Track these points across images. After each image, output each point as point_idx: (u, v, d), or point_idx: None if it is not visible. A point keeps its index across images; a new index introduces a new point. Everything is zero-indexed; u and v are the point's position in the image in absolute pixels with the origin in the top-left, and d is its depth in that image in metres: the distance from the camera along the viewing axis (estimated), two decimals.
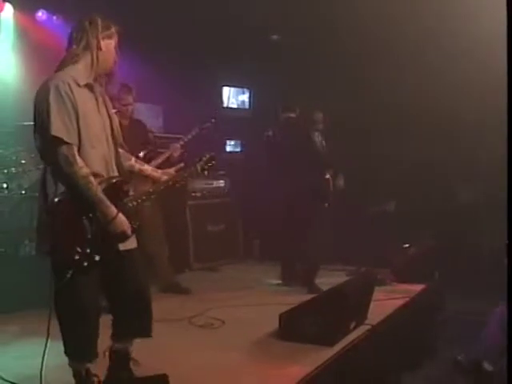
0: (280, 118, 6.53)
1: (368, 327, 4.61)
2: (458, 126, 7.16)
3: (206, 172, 3.74)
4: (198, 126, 5.68)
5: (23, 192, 5.98)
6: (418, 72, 7.13)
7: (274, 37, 8.51)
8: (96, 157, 3.13)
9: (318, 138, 6.64)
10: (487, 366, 4.13)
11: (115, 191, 3.14)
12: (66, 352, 3.24)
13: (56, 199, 2.99)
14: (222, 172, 8.00)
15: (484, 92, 6.51)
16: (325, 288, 4.75)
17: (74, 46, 3.15)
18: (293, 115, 6.48)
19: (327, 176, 6.68)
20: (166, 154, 5.61)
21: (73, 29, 3.22)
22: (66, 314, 3.20)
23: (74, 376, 3.30)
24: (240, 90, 8.95)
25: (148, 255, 5.75)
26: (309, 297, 4.52)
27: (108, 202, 3.03)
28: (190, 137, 5.66)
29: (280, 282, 6.46)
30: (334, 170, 7.08)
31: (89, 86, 3.16)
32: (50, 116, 2.95)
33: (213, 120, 5.64)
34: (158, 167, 5.35)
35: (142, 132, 5.79)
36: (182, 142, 5.65)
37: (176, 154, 5.60)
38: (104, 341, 3.32)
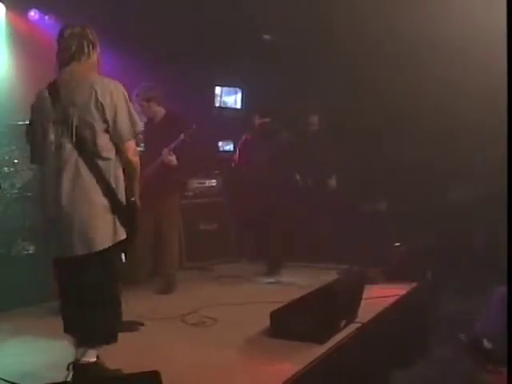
0: (255, 123, 6.94)
1: (358, 325, 4.63)
2: (454, 126, 7.19)
3: None
4: (183, 132, 5.78)
5: (16, 191, 6.00)
6: (414, 71, 7.14)
7: (267, 36, 8.53)
8: None
9: (294, 139, 7.08)
10: (487, 344, 4.23)
11: None
12: (91, 336, 3.31)
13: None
14: (215, 171, 8.03)
15: (483, 92, 6.54)
16: (316, 287, 4.77)
17: (91, 57, 3.41)
18: (267, 120, 6.92)
19: (297, 178, 7.17)
20: (159, 160, 5.78)
21: (80, 39, 3.39)
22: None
23: (75, 366, 3.29)
24: (232, 89, 8.96)
25: (160, 247, 6.01)
26: (300, 295, 4.55)
27: None
28: (176, 144, 5.76)
29: (272, 280, 6.51)
30: (327, 171, 7.23)
31: None
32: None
33: (194, 126, 5.77)
34: (155, 172, 5.63)
35: (173, 130, 5.83)
36: (171, 147, 5.76)
37: (167, 160, 5.74)
38: None
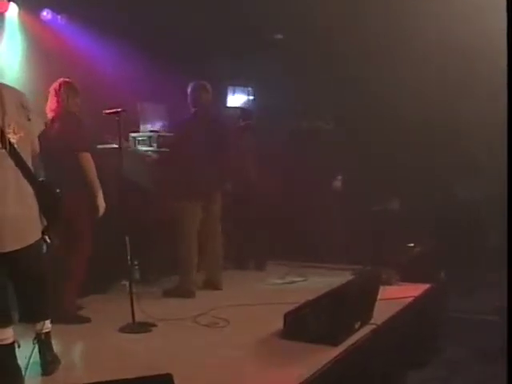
0: (240, 124, 7.31)
1: (373, 327, 4.58)
2: (461, 126, 7.15)
3: None
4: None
5: None
6: (423, 73, 7.10)
7: (279, 36, 8.50)
8: None
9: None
10: None
11: None
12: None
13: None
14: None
15: (485, 91, 6.49)
16: (330, 288, 4.72)
17: None
18: (250, 122, 7.39)
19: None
20: None
21: None
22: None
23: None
24: (244, 89, 8.95)
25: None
26: (314, 296, 4.50)
27: None
28: None
29: (285, 281, 6.49)
30: (332, 172, 7.56)
31: None
32: None
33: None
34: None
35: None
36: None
37: None
38: None
